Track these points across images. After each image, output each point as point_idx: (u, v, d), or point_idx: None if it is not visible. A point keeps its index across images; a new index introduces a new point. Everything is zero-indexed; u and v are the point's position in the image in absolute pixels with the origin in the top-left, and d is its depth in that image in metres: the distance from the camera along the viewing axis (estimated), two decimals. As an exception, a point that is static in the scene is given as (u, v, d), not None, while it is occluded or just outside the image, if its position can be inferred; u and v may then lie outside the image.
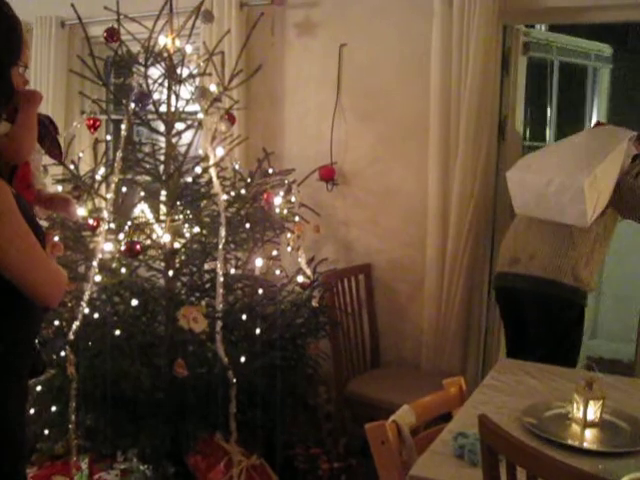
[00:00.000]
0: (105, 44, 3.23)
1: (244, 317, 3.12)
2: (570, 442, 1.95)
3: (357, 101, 3.95)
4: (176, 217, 3.11)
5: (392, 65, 3.84)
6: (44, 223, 2.71)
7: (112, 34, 3.16)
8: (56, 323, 3.05)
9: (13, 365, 1.71)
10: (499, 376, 2.56)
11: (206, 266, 3.22)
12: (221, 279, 2.96)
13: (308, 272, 3.45)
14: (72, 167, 3.19)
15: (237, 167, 3.46)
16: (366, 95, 3.92)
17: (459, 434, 1.94)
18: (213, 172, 3.09)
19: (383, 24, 3.83)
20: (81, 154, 3.36)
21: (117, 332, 2.97)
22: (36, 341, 1.95)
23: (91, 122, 3.20)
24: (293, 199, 3.47)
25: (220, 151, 3.18)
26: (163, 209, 3.18)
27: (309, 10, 4.01)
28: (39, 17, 4.75)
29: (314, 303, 3.40)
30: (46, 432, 3.14)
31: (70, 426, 2.93)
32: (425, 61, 3.65)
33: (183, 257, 3.18)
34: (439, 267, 3.67)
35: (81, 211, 3.08)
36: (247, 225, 3.21)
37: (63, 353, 2.94)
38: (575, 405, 2.08)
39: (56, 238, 2.82)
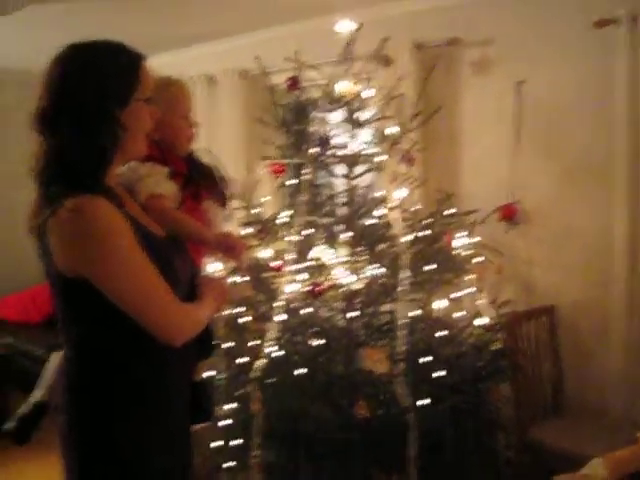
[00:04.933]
0: (287, 91, 3.35)
1: (424, 359, 3.07)
2: None
3: (536, 138, 3.84)
4: (357, 258, 3.15)
5: (573, 100, 3.70)
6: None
7: (294, 82, 3.31)
8: (241, 360, 3.16)
9: (147, 403, 1.71)
10: None
11: (386, 307, 3.23)
12: (402, 321, 2.96)
13: (489, 314, 3.37)
14: (256, 210, 3.34)
15: (416, 208, 3.45)
16: (546, 132, 3.81)
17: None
18: (394, 213, 3.11)
19: (562, 59, 3.72)
20: (265, 198, 3.49)
21: (299, 371, 3.01)
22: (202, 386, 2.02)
23: (275, 167, 3.32)
24: (474, 239, 3.41)
25: (400, 192, 3.20)
26: (344, 250, 3.20)
27: (485, 48, 3.96)
28: (223, 69, 5.07)
29: (495, 346, 3.31)
30: (228, 465, 3.23)
31: (253, 461, 3.00)
32: (609, 95, 3.50)
33: (363, 298, 3.20)
34: (628, 308, 3.48)
35: (266, 252, 3.20)
36: (428, 266, 3.19)
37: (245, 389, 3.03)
38: None
39: (237, 279, 2.94)
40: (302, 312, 3.21)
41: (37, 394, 2.20)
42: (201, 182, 2.08)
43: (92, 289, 1.57)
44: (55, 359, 2.17)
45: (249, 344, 3.16)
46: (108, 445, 1.66)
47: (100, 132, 1.61)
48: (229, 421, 3.15)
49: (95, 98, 1.60)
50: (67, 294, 1.64)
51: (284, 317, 3.09)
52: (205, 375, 2.09)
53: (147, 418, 1.71)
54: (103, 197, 1.58)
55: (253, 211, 3.37)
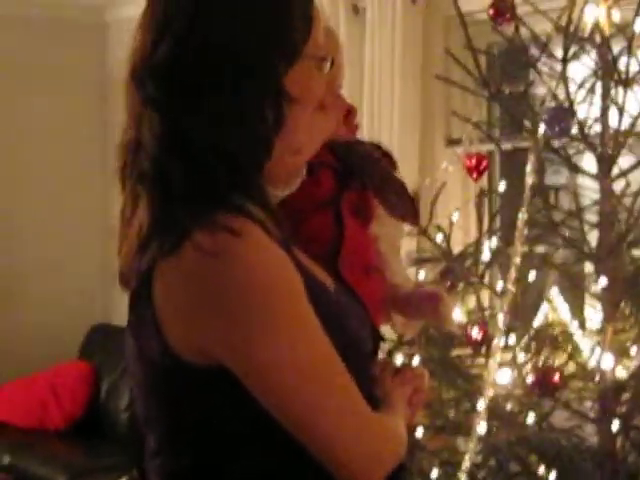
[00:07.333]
0: (491, 27, 3.31)
1: None
2: None
3: None
4: (622, 324, 3.12)
5: None
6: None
7: (502, 10, 3.20)
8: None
9: None
10: None
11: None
12: None
13: None
14: (439, 238, 3.32)
15: None
16: None
17: None
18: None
19: None
20: (454, 216, 3.41)
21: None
22: None
23: (472, 162, 3.30)
24: None
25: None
26: (595, 309, 3.21)
27: None
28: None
29: None
30: None
31: None
32: None
33: (633, 395, 3.17)
34: None
35: (456, 313, 3.14)
36: None
37: None
38: None
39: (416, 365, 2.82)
40: (520, 419, 3.21)
41: None
42: (368, 183, 2.01)
43: (228, 385, 1.51)
44: None
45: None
46: None
47: (260, 108, 1.56)
48: None
49: (249, 48, 1.56)
50: (177, 390, 1.58)
51: (487, 429, 3.11)
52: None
53: None
54: (258, 226, 1.50)
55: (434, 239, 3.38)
